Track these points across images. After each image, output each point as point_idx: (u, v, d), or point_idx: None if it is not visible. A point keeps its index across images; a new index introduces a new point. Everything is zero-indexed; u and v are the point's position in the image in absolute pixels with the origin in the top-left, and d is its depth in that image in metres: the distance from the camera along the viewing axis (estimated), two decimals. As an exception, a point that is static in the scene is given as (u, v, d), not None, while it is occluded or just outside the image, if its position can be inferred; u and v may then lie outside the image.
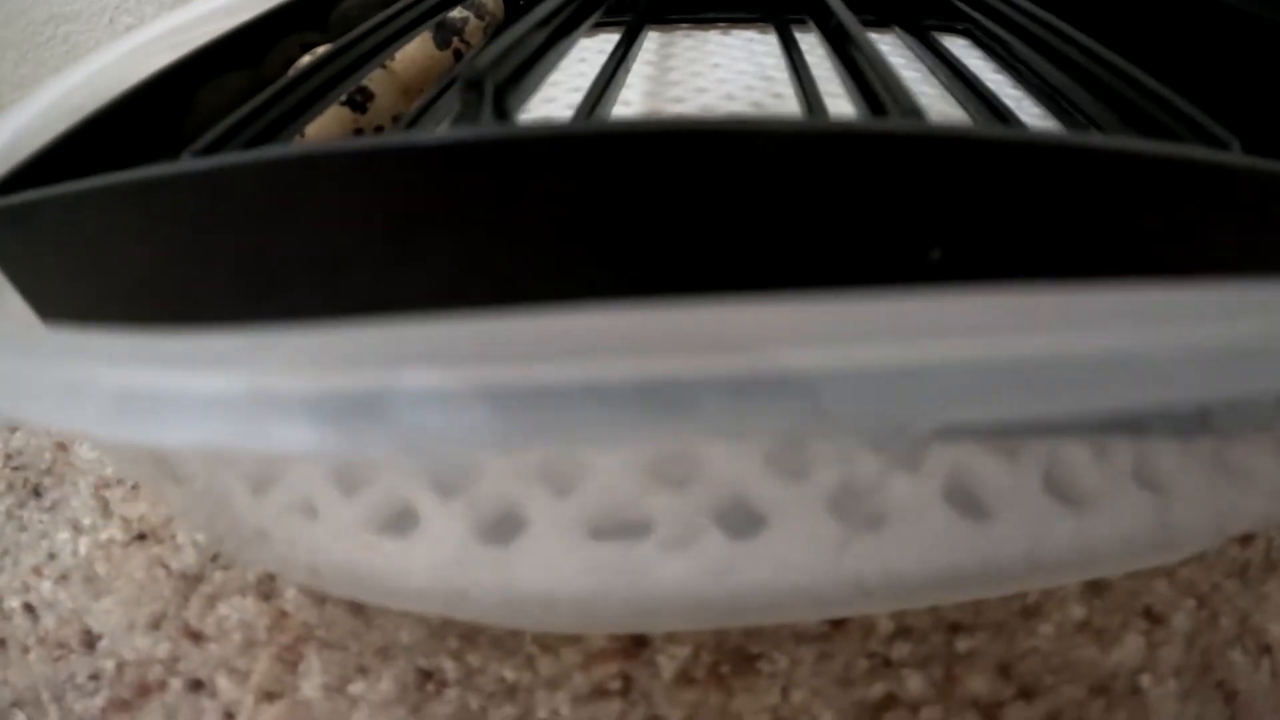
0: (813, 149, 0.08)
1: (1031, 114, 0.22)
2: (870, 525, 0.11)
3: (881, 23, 0.28)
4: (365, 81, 0.18)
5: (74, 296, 0.12)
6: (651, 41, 0.27)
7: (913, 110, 0.10)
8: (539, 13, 0.14)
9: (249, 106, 0.14)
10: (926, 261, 0.09)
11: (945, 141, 0.09)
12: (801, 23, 0.26)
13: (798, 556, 0.11)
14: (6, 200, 0.12)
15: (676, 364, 0.07)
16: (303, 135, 0.17)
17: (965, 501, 0.11)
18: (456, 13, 0.24)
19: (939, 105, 0.22)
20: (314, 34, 0.23)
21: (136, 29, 0.27)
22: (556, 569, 0.11)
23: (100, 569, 0.21)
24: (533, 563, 0.11)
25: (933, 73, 0.24)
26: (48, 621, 0.21)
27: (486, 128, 0.10)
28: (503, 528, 0.11)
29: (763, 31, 0.28)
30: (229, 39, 0.19)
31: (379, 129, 0.19)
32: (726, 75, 0.24)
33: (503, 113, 0.10)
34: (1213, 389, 0.08)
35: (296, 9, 0.22)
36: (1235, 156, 0.11)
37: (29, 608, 0.22)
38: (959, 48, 0.26)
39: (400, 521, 0.12)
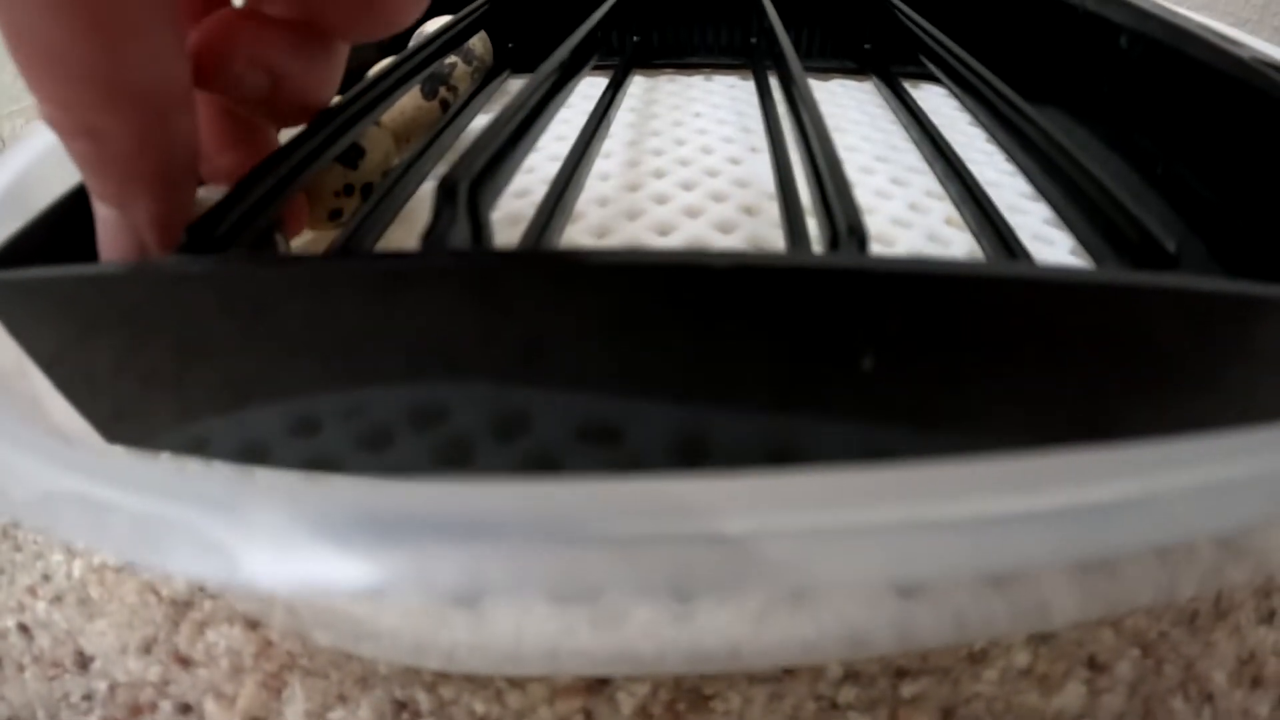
0: (750, 281, 0.09)
1: (1002, 169, 0.23)
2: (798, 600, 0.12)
3: (860, 71, 0.29)
4: (359, 139, 0.19)
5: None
6: (637, 85, 0.28)
7: (856, 227, 0.11)
8: (525, 91, 0.15)
9: (257, 166, 0.15)
10: (859, 371, 0.10)
11: (860, 275, 0.10)
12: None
13: (734, 624, 0.12)
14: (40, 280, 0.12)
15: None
16: (301, 192, 0.18)
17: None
18: (446, 59, 0.25)
19: (918, 181, 0.23)
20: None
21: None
22: (523, 627, 0.12)
23: (94, 592, 0.22)
24: (501, 621, 0.12)
25: (906, 129, 0.25)
26: (42, 641, 0.22)
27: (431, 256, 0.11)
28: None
29: (743, 77, 0.29)
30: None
31: (368, 186, 0.20)
32: (706, 125, 0.25)
33: (476, 221, 0.11)
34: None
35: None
36: (1161, 279, 0.11)
37: (24, 628, 0.22)
38: (935, 96, 0.27)
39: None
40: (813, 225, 0.16)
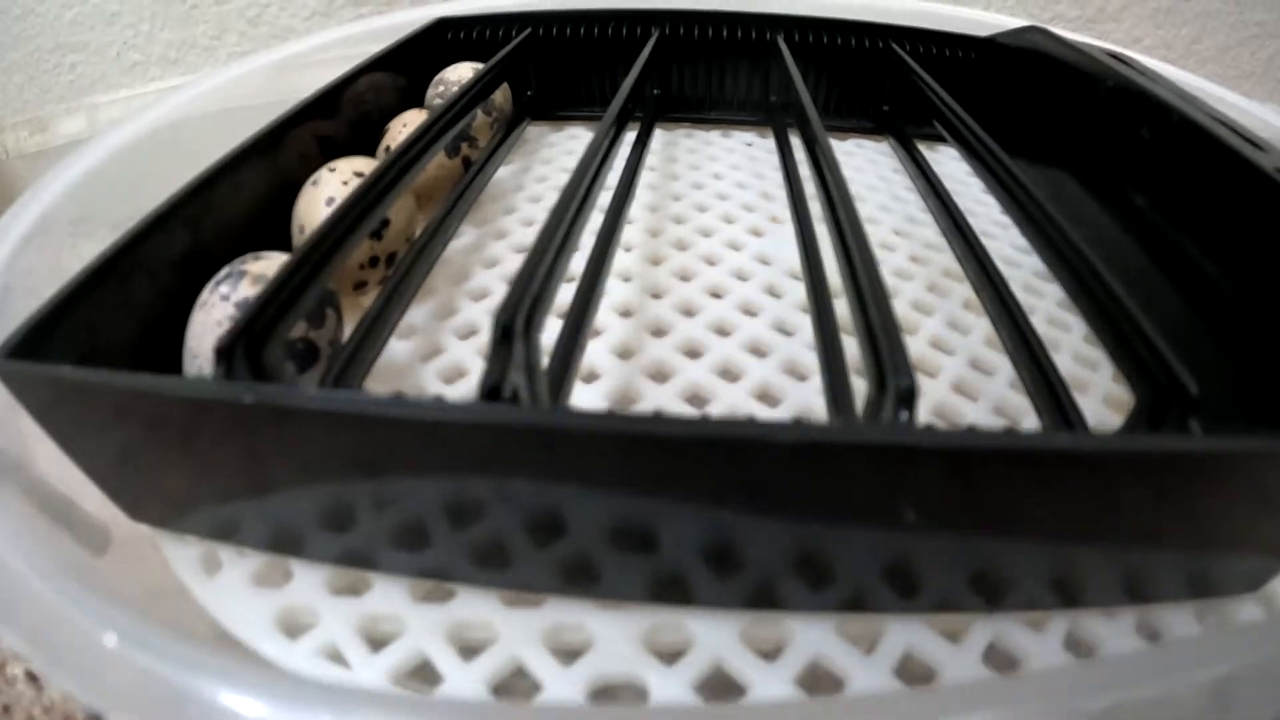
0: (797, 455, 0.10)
1: (1017, 245, 0.23)
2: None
3: (877, 131, 0.29)
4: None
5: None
6: (656, 140, 0.28)
7: (906, 381, 0.11)
8: (566, 199, 0.15)
9: (295, 258, 0.15)
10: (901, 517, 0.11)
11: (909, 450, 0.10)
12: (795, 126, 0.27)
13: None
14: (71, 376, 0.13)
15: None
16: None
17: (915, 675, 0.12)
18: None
19: (936, 260, 0.23)
20: (324, 123, 0.24)
21: (159, 100, 0.27)
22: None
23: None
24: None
25: (923, 198, 0.25)
26: (52, 692, 0.22)
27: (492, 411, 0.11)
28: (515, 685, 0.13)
29: (761, 134, 0.29)
30: (245, 150, 0.20)
31: (392, 256, 0.20)
32: (727, 188, 0.25)
33: (532, 369, 0.11)
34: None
35: (309, 108, 0.22)
36: (1182, 440, 0.12)
37: (31, 676, 0.22)
38: (949, 160, 0.28)
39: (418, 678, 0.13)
40: (848, 341, 0.16)
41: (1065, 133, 0.25)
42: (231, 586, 0.14)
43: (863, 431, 0.11)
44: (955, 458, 0.10)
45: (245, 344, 0.13)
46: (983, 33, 0.29)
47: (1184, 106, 0.20)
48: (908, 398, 0.11)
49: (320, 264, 0.16)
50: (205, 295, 0.17)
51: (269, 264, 0.17)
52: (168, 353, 0.16)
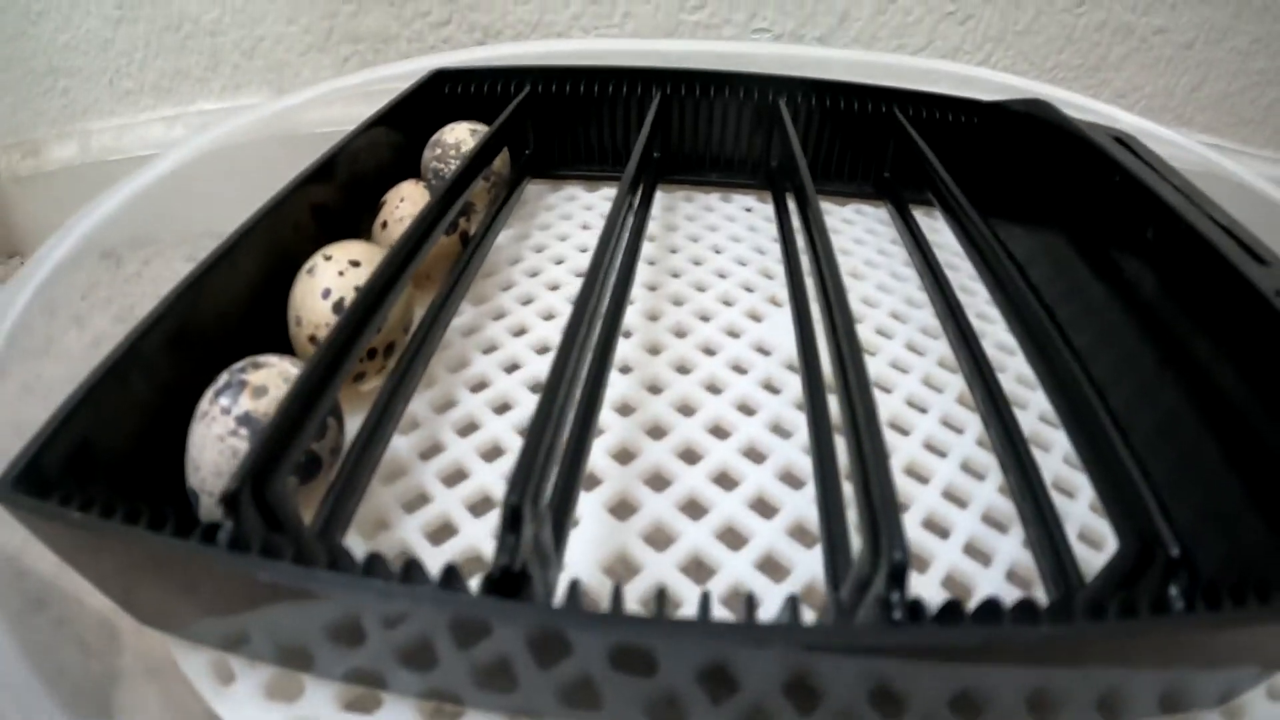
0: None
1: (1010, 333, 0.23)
2: None
3: (877, 196, 0.29)
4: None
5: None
6: (656, 204, 0.28)
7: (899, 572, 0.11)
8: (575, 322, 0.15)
9: (297, 384, 0.15)
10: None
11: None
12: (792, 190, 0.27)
13: None
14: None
15: None
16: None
17: None
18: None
19: (934, 349, 0.23)
20: (319, 188, 0.23)
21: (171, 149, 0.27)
22: None
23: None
24: None
25: (920, 275, 0.25)
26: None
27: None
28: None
29: (761, 199, 0.29)
30: (242, 234, 0.20)
31: (390, 346, 0.20)
32: (726, 265, 0.25)
33: (543, 554, 0.11)
34: None
35: (307, 181, 0.22)
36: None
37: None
38: (946, 231, 0.28)
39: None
40: (840, 449, 0.16)
41: (1069, 216, 0.25)
42: (246, 697, 0.14)
43: (842, 635, 0.11)
44: (936, 654, 0.10)
45: (251, 487, 0.13)
46: (986, 93, 0.29)
47: (1189, 213, 0.20)
48: (899, 574, 0.11)
49: (325, 381, 0.16)
50: (205, 405, 0.16)
51: (269, 373, 0.17)
52: (173, 455, 0.16)
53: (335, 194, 0.24)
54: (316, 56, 0.43)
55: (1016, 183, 0.28)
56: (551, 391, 0.13)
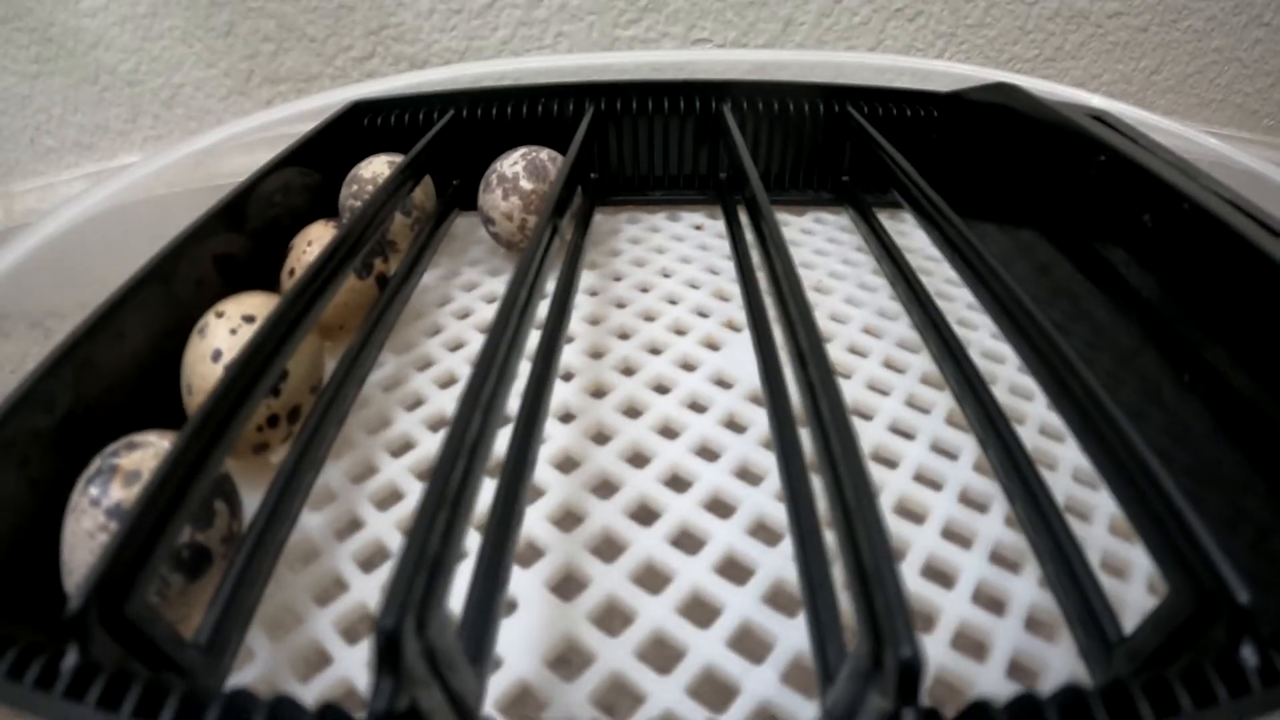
0: None
1: (996, 335, 0.21)
2: None
3: (836, 203, 0.27)
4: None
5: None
6: (596, 229, 0.26)
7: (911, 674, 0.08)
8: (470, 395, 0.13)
9: (167, 459, 0.12)
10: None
11: None
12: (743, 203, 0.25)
13: None
14: None
15: None
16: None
17: None
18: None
19: (915, 364, 0.21)
20: (221, 237, 0.21)
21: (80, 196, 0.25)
22: None
23: None
24: None
25: (891, 284, 0.23)
26: None
27: None
28: None
29: (711, 214, 0.26)
30: (131, 288, 0.17)
31: (295, 410, 0.17)
32: (675, 289, 0.22)
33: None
34: None
35: (206, 225, 0.20)
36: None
37: None
38: (913, 229, 0.26)
39: None
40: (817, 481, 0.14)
41: (1048, 208, 0.23)
42: None
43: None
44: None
45: (99, 608, 0.11)
46: (943, 85, 0.27)
47: (1193, 190, 0.18)
48: (911, 679, 0.09)
49: (202, 458, 0.13)
50: (75, 497, 0.14)
51: (143, 455, 0.14)
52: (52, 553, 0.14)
53: (242, 242, 0.21)
54: (239, 101, 0.41)
55: (986, 177, 0.25)
56: (441, 477, 0.10)
